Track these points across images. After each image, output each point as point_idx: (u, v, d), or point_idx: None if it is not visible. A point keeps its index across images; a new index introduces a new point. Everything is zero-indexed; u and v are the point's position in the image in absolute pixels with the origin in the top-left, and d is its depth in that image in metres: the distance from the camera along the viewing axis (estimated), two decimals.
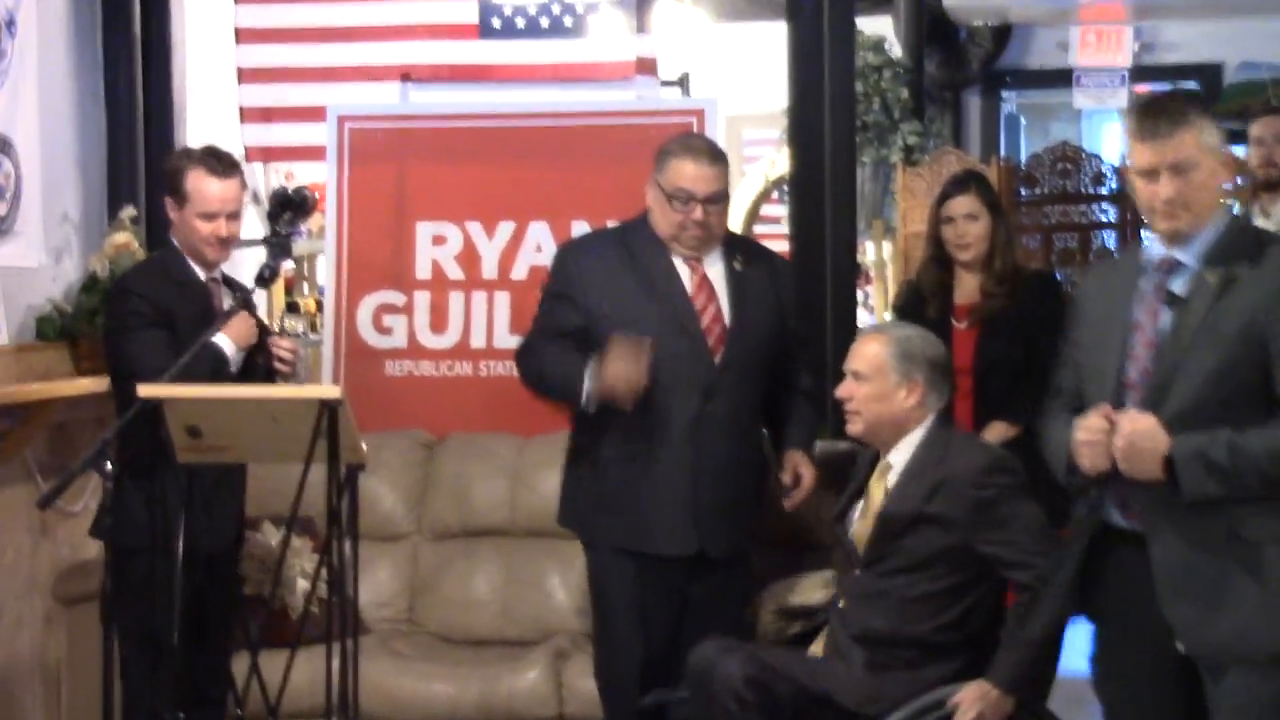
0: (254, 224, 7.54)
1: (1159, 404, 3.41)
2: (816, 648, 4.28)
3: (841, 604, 4.21)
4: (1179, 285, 3.46)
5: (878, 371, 4.15)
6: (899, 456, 4.17)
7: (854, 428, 4.23)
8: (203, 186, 4.62)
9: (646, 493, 4.41)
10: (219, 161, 4.69)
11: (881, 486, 4.17)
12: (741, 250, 4.62)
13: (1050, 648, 3.95)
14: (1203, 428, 3.36)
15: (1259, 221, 5.81)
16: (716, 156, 4.49)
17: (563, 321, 4.49)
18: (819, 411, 4.87)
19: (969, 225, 5.07)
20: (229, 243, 4.71)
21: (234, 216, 4.69)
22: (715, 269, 4.51)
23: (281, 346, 4.73)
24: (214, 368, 4.44)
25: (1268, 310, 3.37)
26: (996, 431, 4.96)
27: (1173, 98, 3.53)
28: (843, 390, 4.22)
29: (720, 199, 4.45)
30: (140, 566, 4.28)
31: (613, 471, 4.46)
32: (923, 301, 5.16)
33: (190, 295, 4.65)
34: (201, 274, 4.70)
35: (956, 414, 5.02)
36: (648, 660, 4.44)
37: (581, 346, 4.41)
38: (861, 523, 4.19)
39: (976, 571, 4.07)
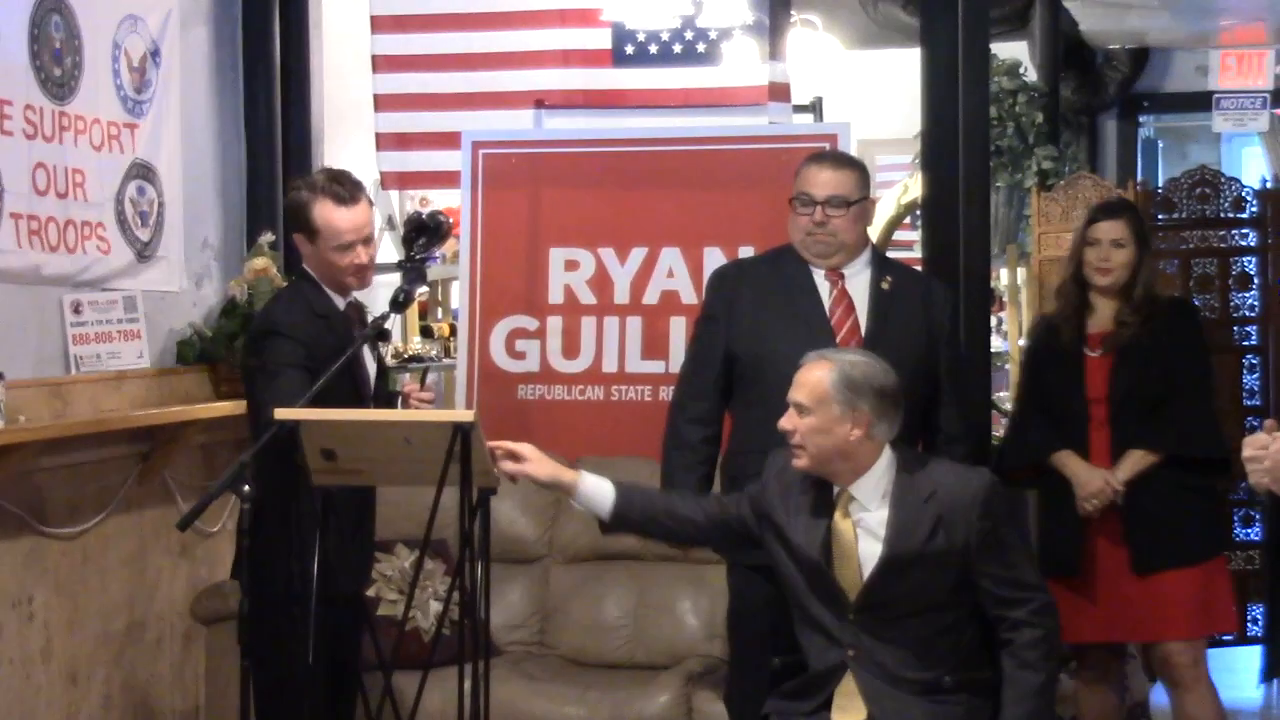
0: (389, 249, 7.65)
1: None
2: (844, 716, 3.89)
3: (851, 653, 3.89)
4: None
5: (820, 402, 3.84)
6: (866, 492, 3.90)
7: (800, 462, 3.90)
8: (332, 219, 4.39)
9: None
10: (343, 187, 4.43)
11: (849, 524, 3.90)
12: (894, 272, 4.59)
13: (1055, 684, 3.81)
14: None
15: None
16: (841, 163, 4.54)
17: (710, 346, 4.54)
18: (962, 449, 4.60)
19: (1114, 251, 4.99)
20: (368, 269, 4.52)
21: (369, 241, 4.48)
22: (858, 283, 4.51)
23: (422, 399, 4.64)
24: None
25: None
26: (1134, 460, 4.89)
27: None
28: (785, 422, 3.91)
29: (840, 203, 4.43)
30: (278, 595, 4.27)
31: (744, 485, 4.45)
32: (1055, 331, 5.10)
33: (331, 327, 4.47)
34: (340, 302, 4.54)
35: (1092, 443, 4.97)
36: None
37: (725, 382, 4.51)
38: (842, 564, 3.89)
39: (976, 603, 3.89)
